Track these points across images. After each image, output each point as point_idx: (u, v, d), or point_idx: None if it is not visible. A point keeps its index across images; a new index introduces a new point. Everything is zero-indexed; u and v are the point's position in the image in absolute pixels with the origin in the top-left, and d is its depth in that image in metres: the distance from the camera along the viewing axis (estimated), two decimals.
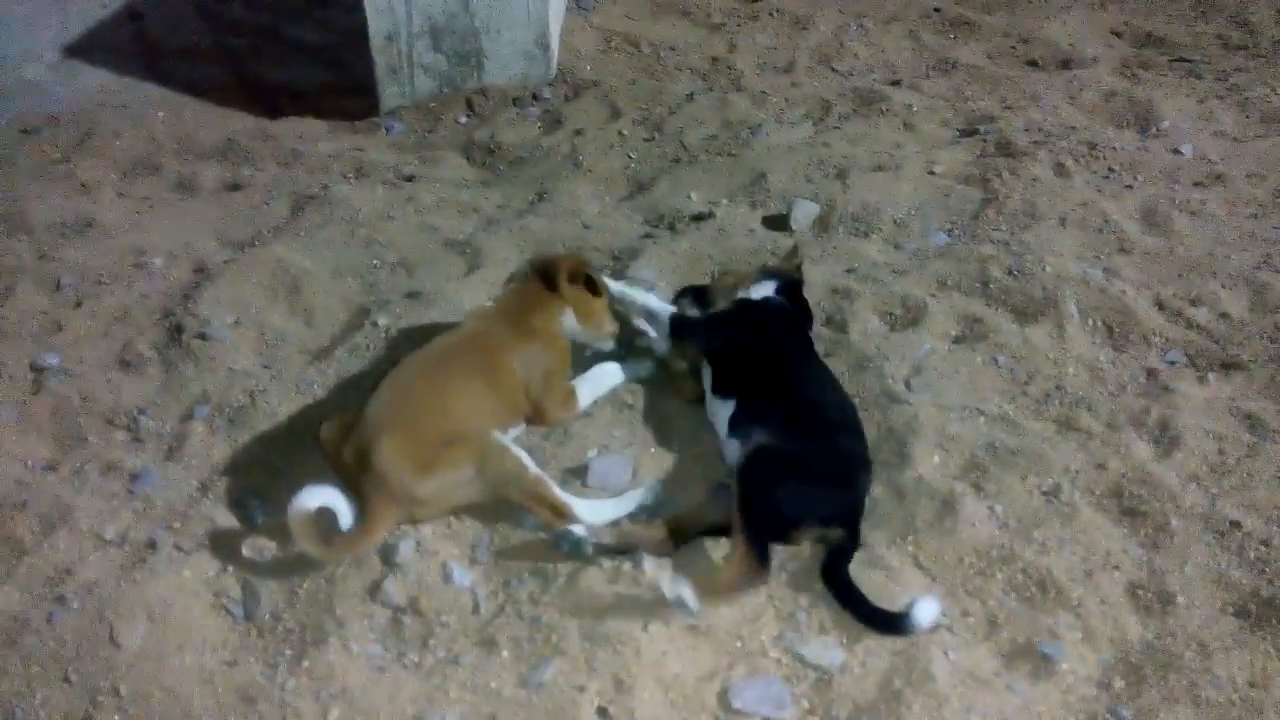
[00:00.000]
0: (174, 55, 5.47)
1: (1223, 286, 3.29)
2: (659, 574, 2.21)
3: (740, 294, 2.95)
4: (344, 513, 2.41)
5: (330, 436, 2.58)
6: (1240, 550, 2.40)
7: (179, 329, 3.24)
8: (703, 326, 2.90)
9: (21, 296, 3.47)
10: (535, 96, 4.80)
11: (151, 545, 2.51)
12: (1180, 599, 2.29)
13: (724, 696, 2.12)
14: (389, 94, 4.79)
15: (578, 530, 2.38)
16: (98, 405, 2.97)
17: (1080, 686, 2.15)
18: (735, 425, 2.57)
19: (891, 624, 2.19)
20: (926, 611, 2.18)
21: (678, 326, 2.87)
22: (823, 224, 3.71)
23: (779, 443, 2.44)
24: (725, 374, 2.72)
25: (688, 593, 2.17)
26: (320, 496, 2.37)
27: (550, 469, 2.63)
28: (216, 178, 4.32)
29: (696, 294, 3.08)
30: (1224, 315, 3.18)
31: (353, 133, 4.72)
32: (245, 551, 2.49)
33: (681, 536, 2.40)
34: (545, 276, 2.87)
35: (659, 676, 2.13)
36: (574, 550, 2.36)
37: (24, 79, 5.26)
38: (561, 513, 2.43)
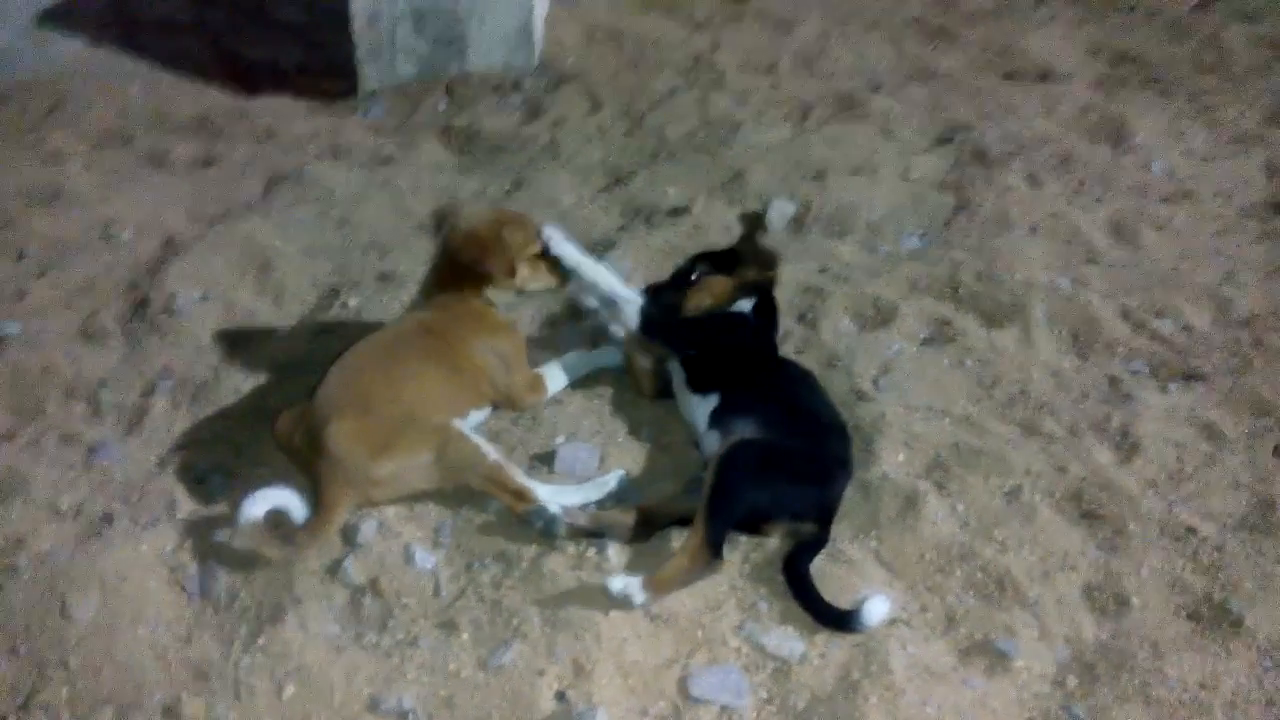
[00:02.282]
0: (152, 28, 5.39)
1: (1187, 300, 3.34)
2: (605, 575, 2.24)
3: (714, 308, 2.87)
4: (296, 507, 2.36)
5: (286, 428, 2.53)
6: (1195, 555, 2.44)
7: (144, 302, 3.19)
8: (678, 331, 2.79)
9: None
10: (516, 85, 4.78)
11: (107, 518, 2.47)
12: (1135, 600, 2.33)
13: (683, 684, 2.12)
14: (369, 76, 4.76)
15: (552, 508, 2.36)
16: (58, 376, 2.92)
17: (1034, 683, 2.17)
18: (717, 419, 2.55)
19: (841, 621, 2.21)
20: (876, 611, 2.20)
21: (649, 324, 2.75)
22: (798, 224, 3.73)
23: (761, 436, 2.43)
24: (703, 372, 2.69)
25: (635, 589, 2.19)
26: (267, 499, 2.31)
27: (518, 454, 2.62)
28: (189, 153, 4.27)
29: (666, 289, 2.96)
30: (1187, 328, 3.23)
31: (330, 113, 4.68)
32: (203, 528, 2.45)
33: (653, 525, 2.40)
34: (455, 267, 2.71)
35: (619, 662, 2.13)
36: (546, 528, 2.35)
37: None
38: (523, 497, 2.41)
